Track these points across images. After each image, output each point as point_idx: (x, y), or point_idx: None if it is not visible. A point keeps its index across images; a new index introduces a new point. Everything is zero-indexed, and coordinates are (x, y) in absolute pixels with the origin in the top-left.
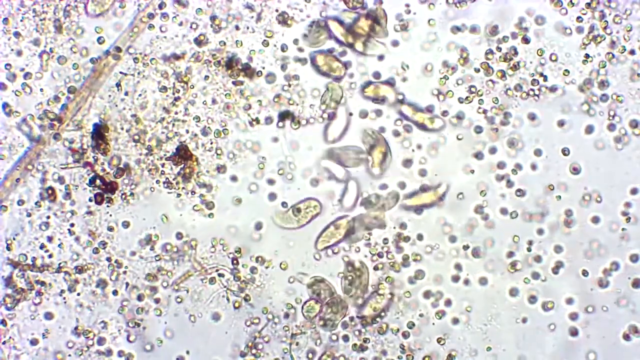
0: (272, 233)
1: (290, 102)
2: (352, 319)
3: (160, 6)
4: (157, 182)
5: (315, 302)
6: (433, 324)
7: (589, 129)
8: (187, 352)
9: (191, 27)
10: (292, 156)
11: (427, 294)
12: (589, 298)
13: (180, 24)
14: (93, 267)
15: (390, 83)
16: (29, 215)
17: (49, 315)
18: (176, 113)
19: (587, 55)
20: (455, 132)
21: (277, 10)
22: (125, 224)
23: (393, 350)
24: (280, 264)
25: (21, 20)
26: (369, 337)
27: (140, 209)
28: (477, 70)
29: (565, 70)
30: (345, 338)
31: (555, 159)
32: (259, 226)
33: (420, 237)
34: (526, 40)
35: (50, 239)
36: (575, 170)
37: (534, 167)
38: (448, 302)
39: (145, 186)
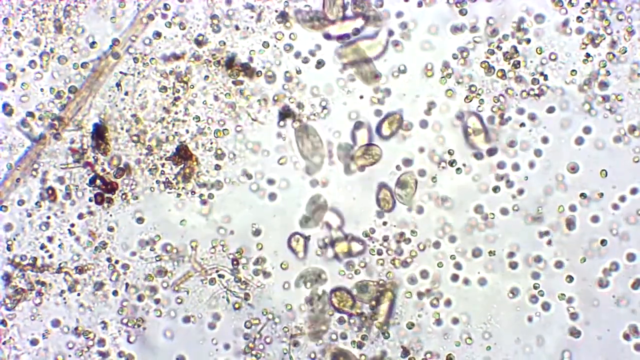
0: (272, 234)
1: (290, 100)
2: (351, 315)
3: (165, 6)
4: (157, 182)
5: None
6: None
7: (588, 129)
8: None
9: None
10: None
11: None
12: (590, 298)
13: (181, 23)
14: (93, 268)
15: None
16: (29, 215)
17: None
18: (176, 113)
19: (587, 55)
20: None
21: (276, 11)
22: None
23: (393, 350)
24: (281, 264)
25: (21, 20)
26: (367, 335)
27: (140, 209)
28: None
29: (573, 70)
30: (344, 336)
31: (553, 159)
32: (258, 230)
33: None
34: (525, 40)
35: (50, 239)
36: (573, 170)
37: (531, 165)
38: (448, 302)
39: (145, 186)
